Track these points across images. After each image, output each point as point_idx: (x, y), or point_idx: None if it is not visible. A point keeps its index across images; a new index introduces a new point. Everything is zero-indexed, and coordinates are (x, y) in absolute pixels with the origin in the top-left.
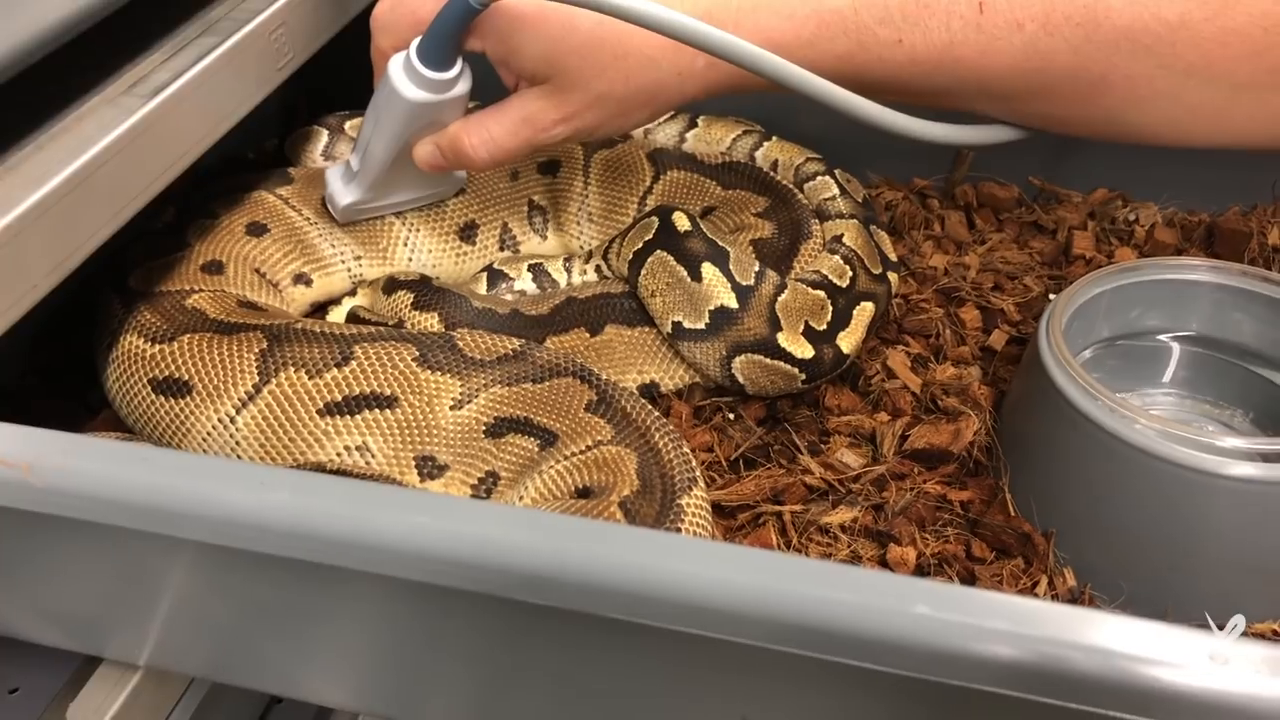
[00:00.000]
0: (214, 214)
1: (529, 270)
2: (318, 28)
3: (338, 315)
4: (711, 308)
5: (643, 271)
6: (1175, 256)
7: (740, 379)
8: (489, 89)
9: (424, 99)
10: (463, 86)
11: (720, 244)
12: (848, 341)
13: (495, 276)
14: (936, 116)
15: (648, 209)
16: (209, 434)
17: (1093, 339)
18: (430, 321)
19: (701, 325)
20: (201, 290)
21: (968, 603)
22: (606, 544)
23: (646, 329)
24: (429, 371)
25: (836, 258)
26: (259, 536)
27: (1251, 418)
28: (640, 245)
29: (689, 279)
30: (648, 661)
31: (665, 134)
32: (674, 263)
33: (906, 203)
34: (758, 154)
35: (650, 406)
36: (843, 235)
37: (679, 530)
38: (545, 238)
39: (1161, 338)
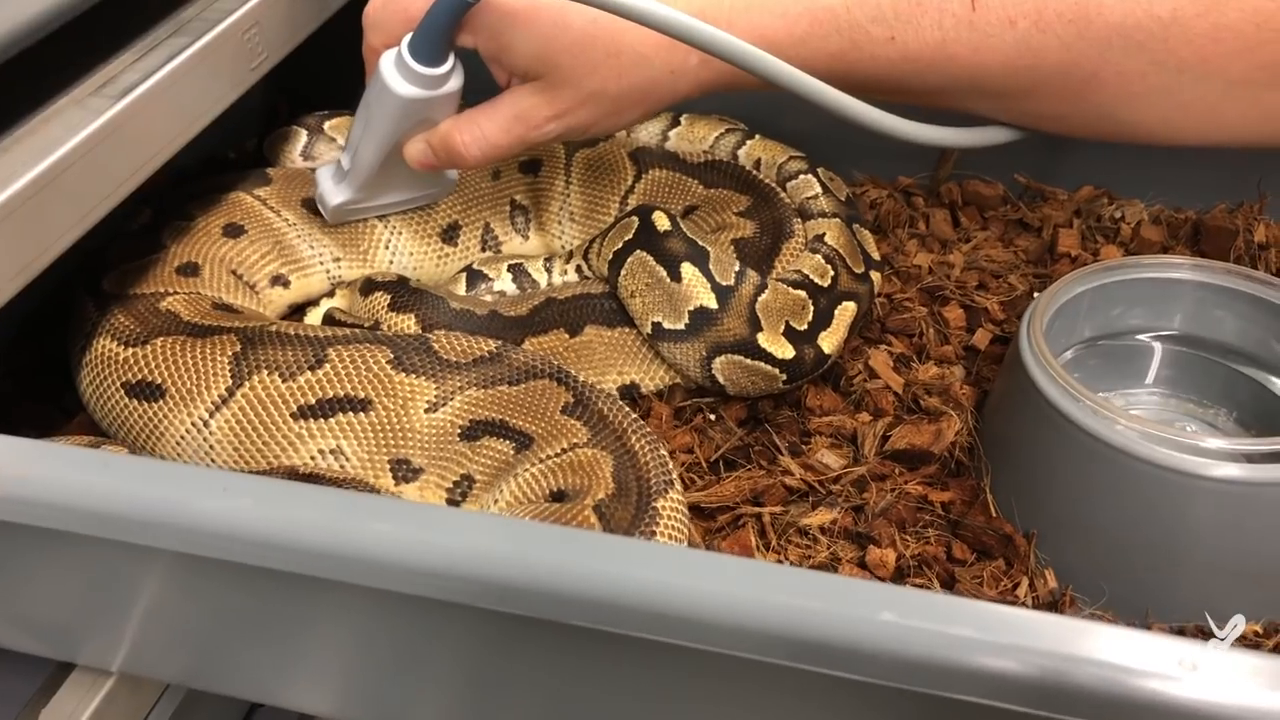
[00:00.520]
0: (190, 215)
1: (509, 270)
2: (293, 28)
3: (315, 317)
4: (691, 308)
5: (622, 272)
6: (1158, 254)
7: (721, 380)
8: (481, 88)
9: (415, 95)
10: (455, 83)
11: (700, 244)
12: (829, 341)
13: (474, 277)
14: (928, 118)
15: (629, 208)
16: (182, 438)
17: (1075, 338)
18: (407, 323)
19: (681, 326)
20: (176, 293)
21: (932, 609)
22: (571, 552)
23: (626, 330)
24: (403, 374)
25: (818, 257)
26: (222, 544)
27: (1235, 417)
28: (620, 245)
29: (668, 279)
30: (621, 670)
31: (648, 132)
32: (654, 263)
33: (891, 201)
34: (740, 152)
35: (627, 409)
36: (825, 234)
37: (654, 534)
38: (527, 237)
39: (1144, 337)
